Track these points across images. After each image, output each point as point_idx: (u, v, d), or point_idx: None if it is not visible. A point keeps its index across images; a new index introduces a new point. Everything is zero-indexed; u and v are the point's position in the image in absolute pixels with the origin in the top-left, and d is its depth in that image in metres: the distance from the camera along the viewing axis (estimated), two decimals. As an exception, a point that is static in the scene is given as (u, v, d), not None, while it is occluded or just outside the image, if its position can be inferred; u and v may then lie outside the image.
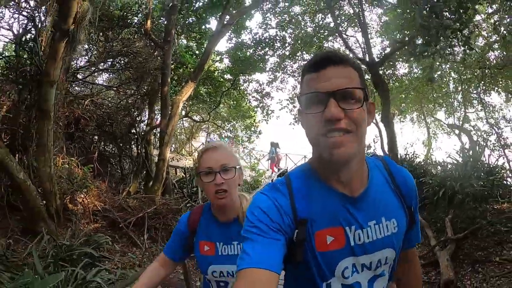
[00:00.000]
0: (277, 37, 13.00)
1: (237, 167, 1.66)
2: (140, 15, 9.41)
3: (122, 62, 9.08)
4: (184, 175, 11.19)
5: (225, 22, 8.60)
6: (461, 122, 13.58)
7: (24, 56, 6.64)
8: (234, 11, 9.64)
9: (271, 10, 11.96)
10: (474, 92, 13.23)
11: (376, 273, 1.18)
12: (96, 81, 10.64)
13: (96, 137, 9.67)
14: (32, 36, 6.09)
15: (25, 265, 5.19)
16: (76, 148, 8.20)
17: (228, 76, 13.14)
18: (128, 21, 9.52)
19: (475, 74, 12.01)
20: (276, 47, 13.32)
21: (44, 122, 5.50)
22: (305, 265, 1.13)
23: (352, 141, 1.02)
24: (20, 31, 6.41)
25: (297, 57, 14.15)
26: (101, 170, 8.43)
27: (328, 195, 1.13)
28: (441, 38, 5.24)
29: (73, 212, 6.99)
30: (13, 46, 7.18)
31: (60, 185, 6.62)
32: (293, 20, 12.59)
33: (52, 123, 5.66)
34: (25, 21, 6.59)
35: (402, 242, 1.23)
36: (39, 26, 5.69)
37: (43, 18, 5.91)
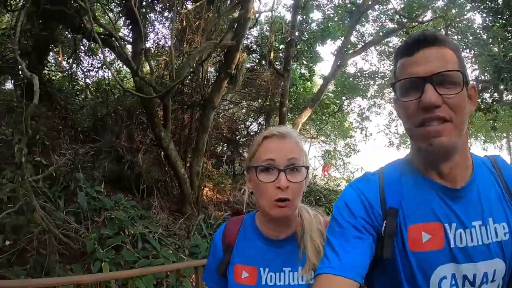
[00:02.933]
0: (378, 71, 14.43)
1: (309, 167, 1.23)
2: (263, 46, 11.29)
3: (247, 83, 11.09)
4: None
5: (338, 63, 10.22)
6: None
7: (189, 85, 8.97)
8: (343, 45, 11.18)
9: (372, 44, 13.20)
10: None
11: None
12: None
13: (220, 142, 11.88)
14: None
15: (175, 234, 7.23)
16: (209, 151, 10.43)
17: (330, 95, 14.69)
18: (252, 49, 11.63)
19: None
20: (376, 78, 14.74)
21: (203, 134, 7.66)
22: (392, 266, 0.98)
23: (452, 130, 0.91)
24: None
25: (395, 87, 15.22)
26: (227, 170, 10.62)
27: (424, 185, 1.01)
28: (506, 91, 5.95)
29: (205, 201, 9.15)
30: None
31: (201, 180, 8.77)
32: (392, 51, 13.71)
33: (207, 135, 7.81)
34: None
35: None
36: (204, 66, 7.93)
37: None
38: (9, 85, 9.26)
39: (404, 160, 1.11)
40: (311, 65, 12.25)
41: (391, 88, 1.05)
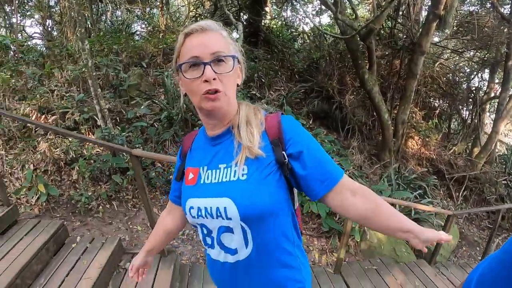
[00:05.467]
0: None
1: (236, 56, 1.14)
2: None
3: (467, 30, 9.46)
4: (507, 152, 10.79)
5: None
6: None
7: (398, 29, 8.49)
8: None
9: None
10: None
11: None
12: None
13: (433, 93, 10.84)
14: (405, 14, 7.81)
15: (367, 177, 7.19)
16: (421, 102, 9.74)
17: None
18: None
19: None
20: None
21: (411, 81, 7.22)
22: None
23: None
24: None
25: None
26: (436, 124, 9.76)
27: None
28: None
29: (407, 152, 8.73)
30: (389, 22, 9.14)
31: (405, 129, 8.37)
32: None
33: (416, 82, 7.33)
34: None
35: None
36: (412, 8, 7.29)
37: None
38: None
39: None
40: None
41: None
